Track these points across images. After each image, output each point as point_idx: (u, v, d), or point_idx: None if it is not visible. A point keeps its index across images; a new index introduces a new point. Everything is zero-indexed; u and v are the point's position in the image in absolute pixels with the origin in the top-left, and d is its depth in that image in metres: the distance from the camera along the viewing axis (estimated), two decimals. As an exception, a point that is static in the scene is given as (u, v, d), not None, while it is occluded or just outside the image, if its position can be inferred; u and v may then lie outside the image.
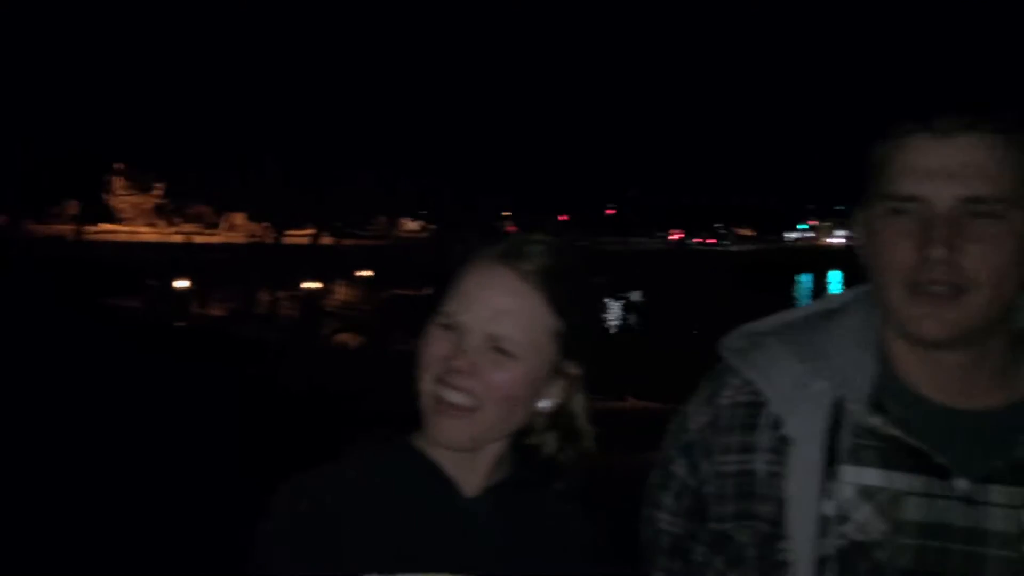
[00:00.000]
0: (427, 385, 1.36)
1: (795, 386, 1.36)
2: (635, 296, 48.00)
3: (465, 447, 1.37)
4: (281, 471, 1.42)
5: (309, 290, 33.07)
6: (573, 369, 1.42)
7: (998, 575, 1.24)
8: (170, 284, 31.60)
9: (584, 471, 1.47)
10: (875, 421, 1.30)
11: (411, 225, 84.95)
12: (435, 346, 1.36)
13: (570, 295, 1.38)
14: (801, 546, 1.30)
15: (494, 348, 1.35)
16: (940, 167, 1.26)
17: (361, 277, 38.14)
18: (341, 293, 34.19)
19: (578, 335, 1.41)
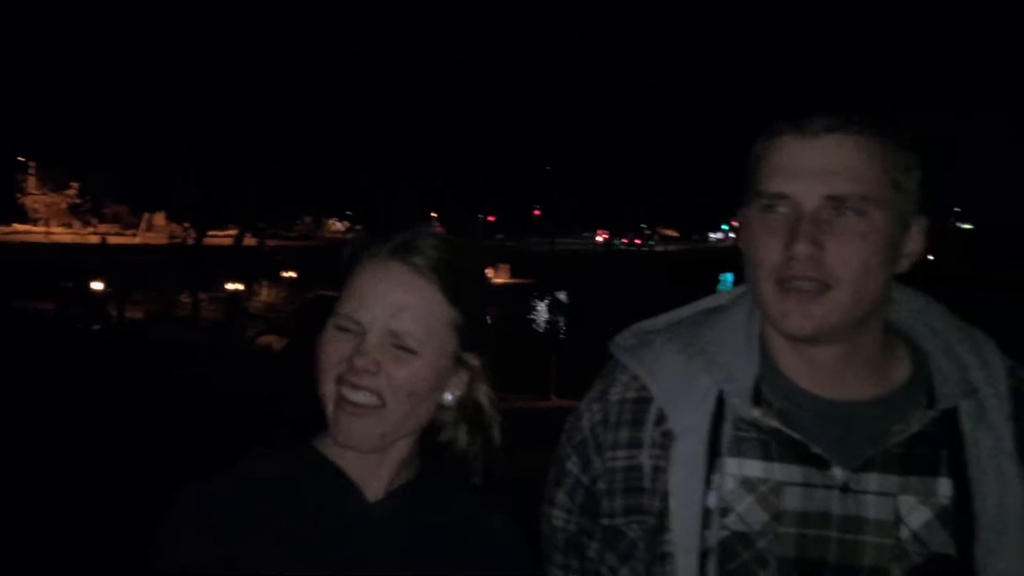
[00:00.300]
0: (329, 387, 1.35)
1: (679, 381, 1.40)
2: (561, 296, 48.33)
3: (372, 447, 1.36)
4: (197, 475, 1.40)
5: (232, 291, 32.46)
6: (474, 360, 1.44)
7: (875, 561, 1.29)
8: (86, 286, 30.63)
9: (501, 465, 1.47)
10: (756, 414, 1.34)
11: (337, 226, 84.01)
12: (334, 347, 1.35)
13: (465, 286, 1.39)
14: (684, 538, 1.33)
15: (395, 345, 1.35)
16: (808, 166, 1.31)
17: (286, 278, 37.59)
18: (265, 294, 33.64)
19: (476, 325, 1.42)
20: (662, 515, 1.36)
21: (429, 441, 1.46)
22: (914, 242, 1.38)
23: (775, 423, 1.33)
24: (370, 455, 1.38)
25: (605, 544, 1.44)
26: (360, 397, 1.33)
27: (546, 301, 45.91)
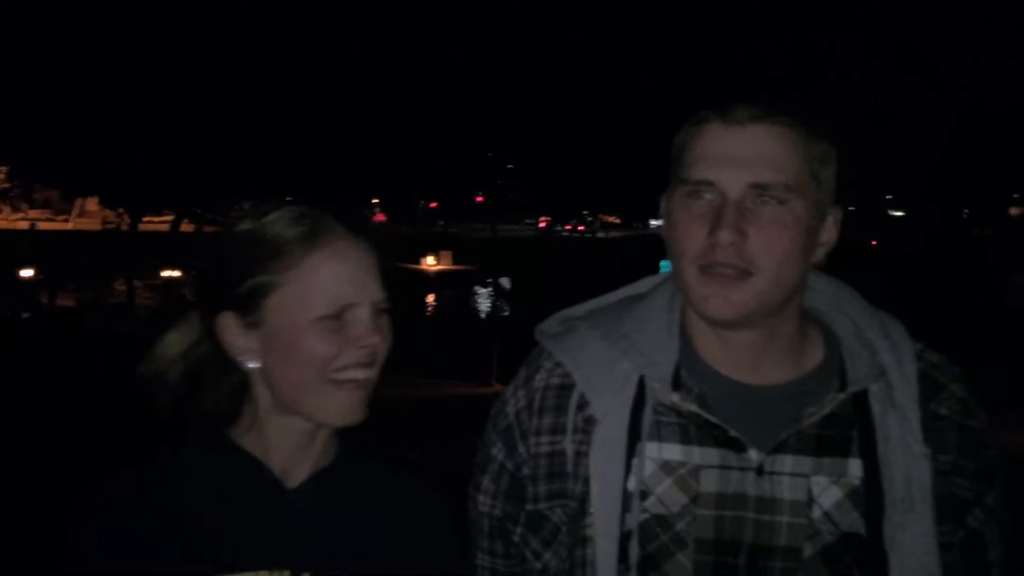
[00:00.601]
0: (317, 381, 1.34)
1: (601, 367, 1.42)
2: (504, 282, 48.43)
3: (362, 417, 1.38)
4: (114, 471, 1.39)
5: (168, 279, 31.82)
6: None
7: (789, 541, 1.32)
8: (15, 274, 29.75)
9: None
10: (675, 398, 1.37)
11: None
12: (326, 343, 1.34)
13: (381, 239, 1.44)
14: (605, 522, 1.35)
15: (382, 311, 1.39)
16: (732, 155, 1.34)
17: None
18: (202, 282, 32.93)
19: (389, 275, 1.46)
20: (584, 499, 1.38)
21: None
22: (829, 232, 1.42)
23: (693, 407, 1.35)
24: (298, 441, 1.39)
25: (529, 528, 1.46)
26: (363, 374, 1.36)
27: (488, 287, 45.96)
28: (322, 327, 1.34)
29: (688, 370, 1.40)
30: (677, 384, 1.38)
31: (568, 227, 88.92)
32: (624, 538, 1.34)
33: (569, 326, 1.52)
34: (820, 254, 1.42)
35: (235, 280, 1.36)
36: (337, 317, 1.34)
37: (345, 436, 1.46)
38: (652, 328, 1.44)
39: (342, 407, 1.35)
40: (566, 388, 1.45)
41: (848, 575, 1.32)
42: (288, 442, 1.39)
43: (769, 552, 1.32)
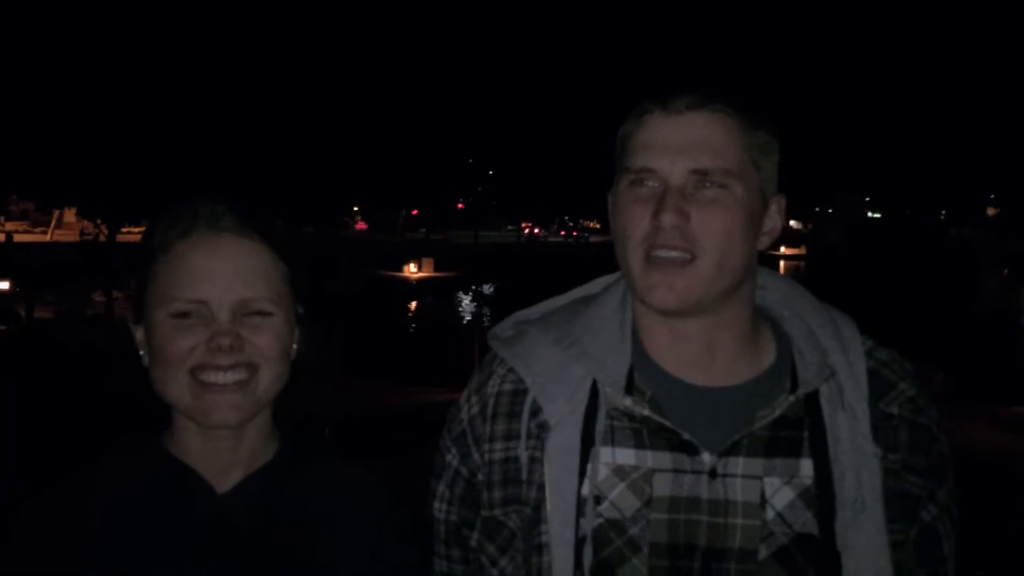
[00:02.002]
0: (181, 378, 1.30)
1: (553, 373, 1.42)
2: (487, 289, 48.41)
3: (243, 420, 1.34)
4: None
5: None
6: (301, 308, 1.44)
7: (744, 543, 1.32)
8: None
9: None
10: (627, 402, 1.36)
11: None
12: (179, 339, 1.30)
13: (284, 238, 1.40)
14: (559, 528, 1.35)
15: (251, 313, 1.33)
16: (673, 142, 1.36)
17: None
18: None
19: (301, 276, 1.43)
20: (538, 506, 1.37)
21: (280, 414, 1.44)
22: (773, 220, 1.43)
23: (646, 411, 1.35)
24: (226, 439, 1.35)
25: (485, 535, 1.45)
26: (230, 376, 1.31)
27: (470, 294, 45.92)
28: (175, 322, 1.31)
29: (641, 373, 1.40)
30: (630, 388, 1.38)
31: (563, 232, 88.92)
32: (579, 544, 1.34)
33: (521, 330, 1.52)
34: (765, 242, 1.43)
35: (132, 281, 1.37)
36: (185, 314, 1.30)
37: (289, 434, 1.44)
38: (604, 331, 1.44)
39: (208, 409, 1.31)
40: (519, 394, 1.44)
41: None
42: (208, 445, 1.35)
43: (724, 555, 1.32)
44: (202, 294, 1.30)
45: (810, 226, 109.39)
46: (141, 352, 1.38)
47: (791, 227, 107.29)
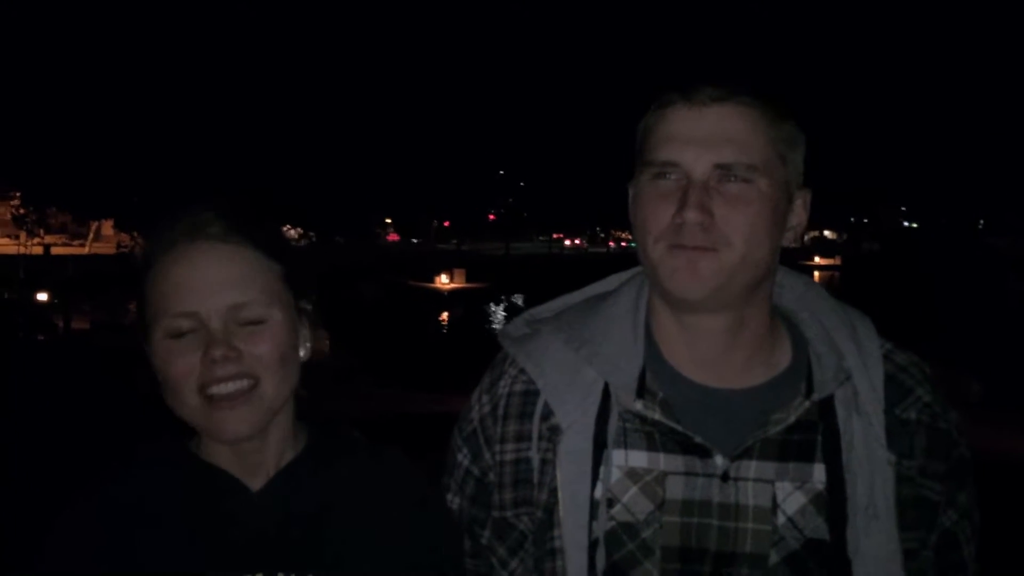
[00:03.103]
0: (191, 399, 1.28)
1: (565, 375, 1.40)
2: (517, 300, 48.40)
3: (260, 428, 1.31)
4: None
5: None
6: (307, 305, 1.41)
7: (754, 548, 1.31)
8: (31, 297, 29.99)
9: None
10: (639, 406, 1.35)
11: (291, 232, 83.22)
12: (179, 359, 1.27)
13: (273, 235, 1.37)
14: (572, 532, 1.33)
15: (243, 322, 1.29)
16: (696, 135, 1.32)
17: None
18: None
19: (299, 270, 1.39)
20: (550, 509, 1.36)
21: (305, 409, 1.42)
22: (798, 215, 1.41)
23: (657, 415, 1.34)
24: (250, 443, 1.33)
25: (495, 535, 1.44)
26: (231, 387, 1.28)
27: (501, 305, 45.93)
28: (172, 343, 1.28)
29: (653, 374, 1.38)
30: (642, 390, 1.36)
31: (612, 243, 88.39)
32: (591, 547, 1.33)
33: (534, 329, 1.50)
34: (790, 237, 1.40)
35: (133, 304, 1.34)
36: (179, 334, 1.27)
37: (317, 428, 1.42)
38: (616, 331, 1.42)
39: (220, 426, 1.28)
40: (530, 395, 1.43)
41: None
42: (235, 449, 1.34)
43: (734, 559, 1.31)
44: (190, 305, 1.27)
45: (845, 236, 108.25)
46: (160, 378, 1.34)
47: (826, 237, 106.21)
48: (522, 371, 1.45)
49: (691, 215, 1.29)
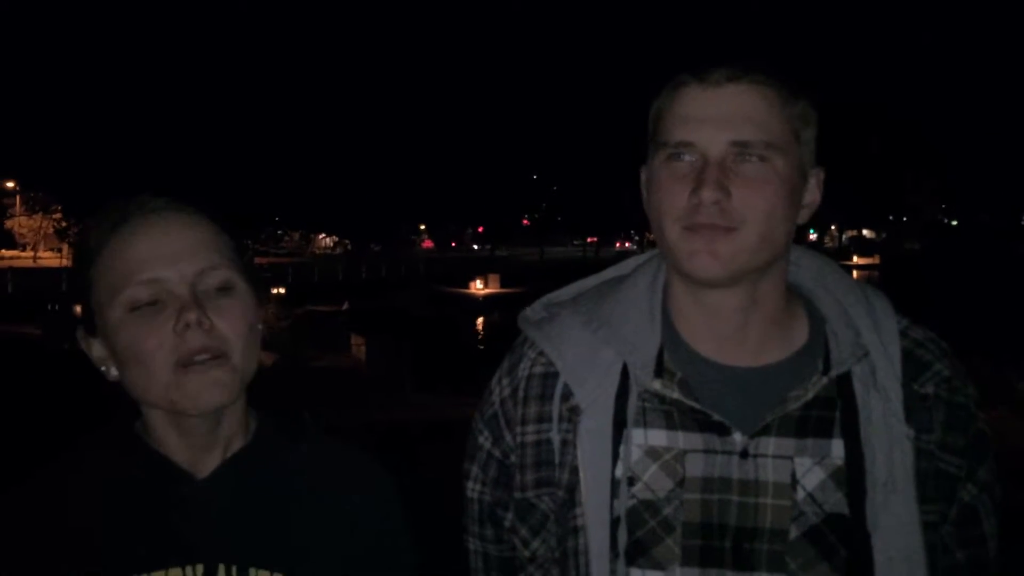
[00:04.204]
0: (163, 375, 1.23)
1: (584, 356, 1.42)
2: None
3: (231, 399, 1.27)
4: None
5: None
6: (257, 276, 1.38)
7: (774, 523, 1.32)
8: (70, 309, 30.59)
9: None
10: (657, 385, 1.36)
11: (326, 241, 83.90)
12: (149, 334, 1.22)
13: (218, 212, 1.34)
14: (594, 510, 1.35)
15: (212, 292, 1.27)
16: (712, 115, 1.32)
17: (274, 294, 37.51)
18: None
19: (238, 240, 1.37)
20: (572, 489, 1.38)
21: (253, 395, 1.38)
22: (812, 193, 1.41)
23: (676, 394, 1.35)
24: (204, 423, 1.29)
25: (518, 516, 1.46)
26: (203, 357, 1.23)
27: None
28: (137, 316, 1.23)
29: (671, 354, 1.40)
30: (660, 370, 1.38)
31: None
32: (613, 525, 1.34)
33: (552, 312, 1.52)
34: (805, 215, 1.40)
35: (70, 289, 1.30)
36: (151, 302, 1.23)
37: (268, 416, 1.40)
38: (634, 312, 1.43)
39: (194, 394, 1.23)
40: (550, 377, 1.45)
41: (833, 556, 1.31)
42: (184, 432, 1.29)
43: (755, 534, 1.32)
44: (155, 273, 1.23)
45: (884, 235, 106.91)
46: (103, 368, 1.30)
47: (864, 236, 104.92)
48: (541, 353, 1.47)
49: (708, 194, 1.29)
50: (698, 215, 1.30)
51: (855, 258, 76.05)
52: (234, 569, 1.28)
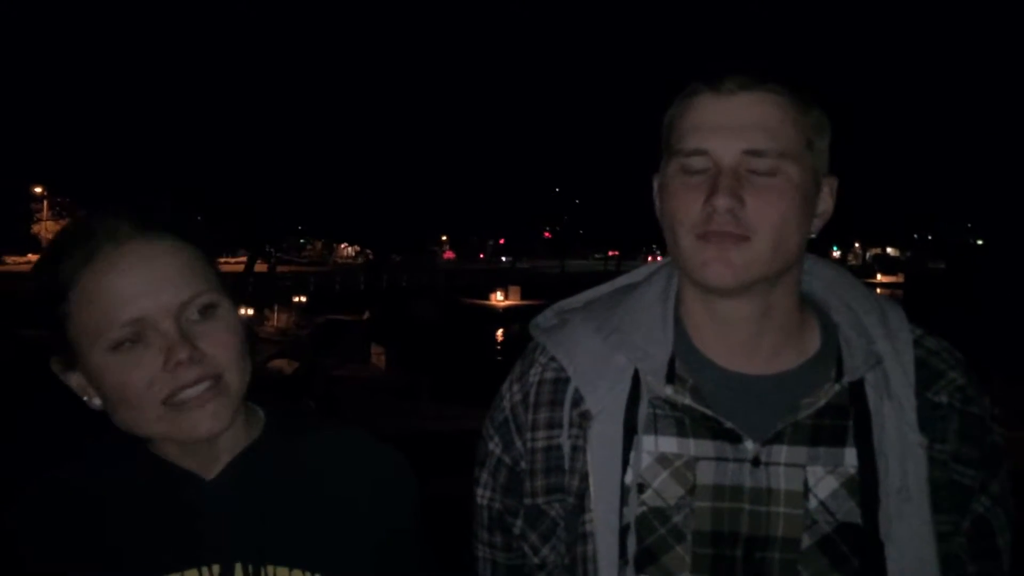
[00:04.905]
0: (152, 411, 1.20)
1: (595, 362, 1.41)
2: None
3: (229, 424, 1.25)
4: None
5: (242, 317, 32.45)
6: (225, 284, 1.33)
7: (787, 532, 1.30)
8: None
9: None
10: (668, 391, 1.35)
11: (348, 250, 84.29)
12: (137, 371, 1.19)
13: (179, 217, 1.30)
14: (603, 517, 1.34)
15: (199, 314, 1.23)
16: (724, 122, 1.32)
17: (296, 303, 37.70)
18: (275, 319, 33.73)
19: (211, 250, 1.33)
20: (582, 495, 1.37)
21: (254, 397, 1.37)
22: (825, 202, 1.40)
23: (687, 400, 1.34)
24: (202, 448, 1.29)
25: (527, 523, 1.45)
26: (200, 389, 1.21)
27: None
28: (121, 356, 1.19)
29: (683, 361, 1.39)
30: (671, 376, 1.37)
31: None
32: (622, 532, 1.33)
33: (563, 319, 1.52)
34: (818, 224, 1.39)
35: (40, 318, 1.25)
36: (133, 339, 1.19)
37: (272, 411, 1.40)
38: (645, 318, 1.43)
39: (194, 427, 1.22)
40: (561, 383, 1.44)
41: (846, 566, 1.29)
42: (185, 448, 1.28)
43: (767, 543, 1.31)
44: (135, 312, 1.19)
45: (908, 253, 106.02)
46: (84, 398, 1.27)
47: (888, 254, 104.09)
48: (552, 359, 1.46)
49: (721, 201, 1.28)
50: (711, 223, 1.30)
51: (878, 276, 75.42)
52: (251, 567, 1.28)
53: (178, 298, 1.22)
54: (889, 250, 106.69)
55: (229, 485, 1.31)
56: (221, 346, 1.24)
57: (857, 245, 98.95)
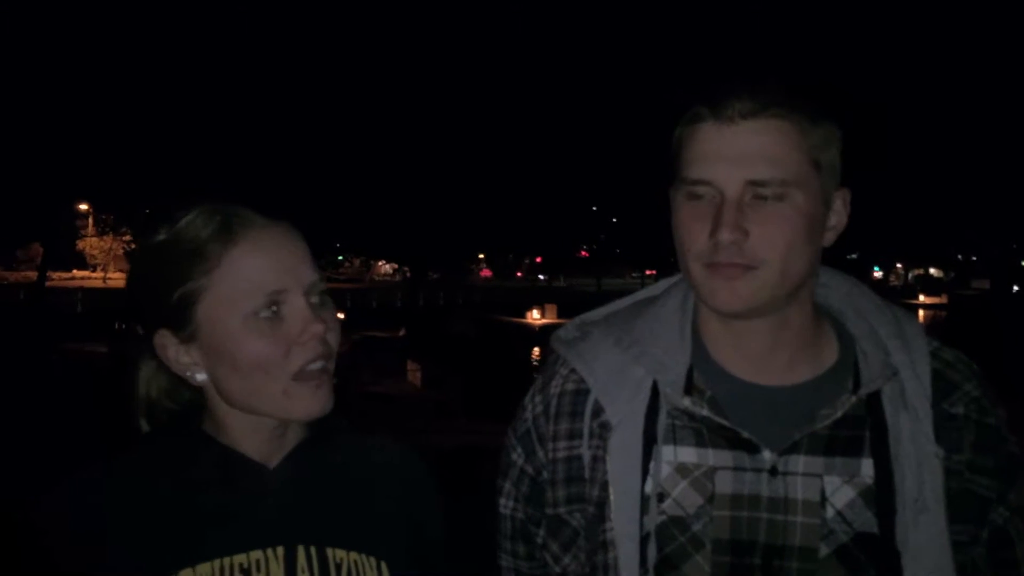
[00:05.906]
0: (280, 385, 1.30)
1: (615, 373, 1.43)
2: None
3: (332, 407, 1.35)
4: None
5: None
6: None
7: (804, 541, 1.32)
8: (135, 328, 31.36)
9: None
10: (687, 403, 1.37)
11: (386, 268, 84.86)
12: (275, 346, 1.29)
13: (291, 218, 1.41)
14: (624, 525, 1.36)
15: (316, 301, 1.34)
16: (727, 152, 1.32)
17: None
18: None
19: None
20: (602, 504, 1.39)
21: None
22: (838, 215, 1.40)
23: (705, 411, 1.36)
24: (272, 434, 1.38)
25: (549, 532, 1.47)
26: (320, 366, 1.33)
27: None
28: (257, 326, 1.29)
29: (701, 372, 1.41)
30: (689, 388, 1.39)
31: None
32: (643, 540, 1.35)
33: (584, 332, 1.54)
34: (831, 238, 1.40)
35: (162, 294, 1.31)
36: (270, 311, 1.29)
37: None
38: (664, 331, 1.45)
39: (308, 403, 1.32)
40: (581, 394, 1.46)
41: (863, 575, 1.30)
42: (258, 436, 1.37)
43: (784, 552, 1.32)
44: (277, 284, 1.30)
45: (952, 274, 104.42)
46: (187, 373, 1.35)
47: (931, 275, 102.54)
48: (573, 371, 1.49)
49: (725, 235, 1.30)
50: (717, 255, 1.32)
51: (921, 297, 74.32)
52: (313, 550, 1.34)
53: (309, 278, 1.33)
54: (932, 270, 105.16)
55: (291, 473, 1.38)
56: (334, 332, 1.34)
57: (899, 266, 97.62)
